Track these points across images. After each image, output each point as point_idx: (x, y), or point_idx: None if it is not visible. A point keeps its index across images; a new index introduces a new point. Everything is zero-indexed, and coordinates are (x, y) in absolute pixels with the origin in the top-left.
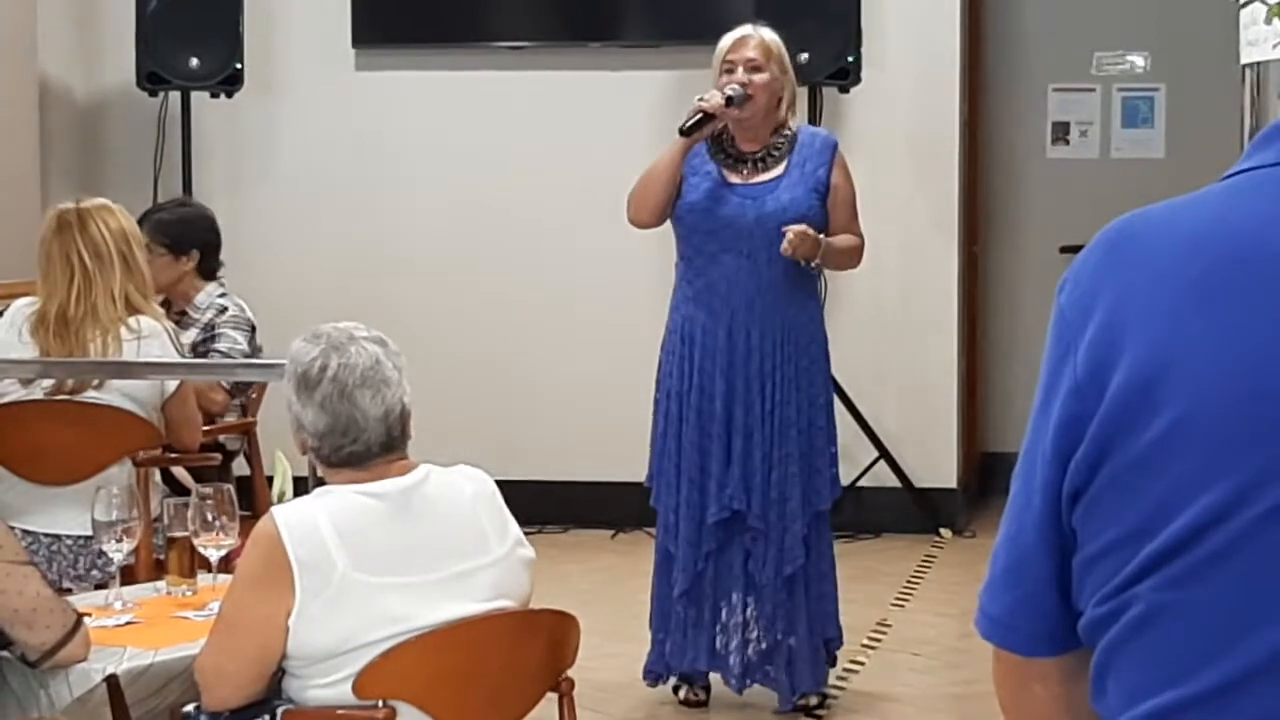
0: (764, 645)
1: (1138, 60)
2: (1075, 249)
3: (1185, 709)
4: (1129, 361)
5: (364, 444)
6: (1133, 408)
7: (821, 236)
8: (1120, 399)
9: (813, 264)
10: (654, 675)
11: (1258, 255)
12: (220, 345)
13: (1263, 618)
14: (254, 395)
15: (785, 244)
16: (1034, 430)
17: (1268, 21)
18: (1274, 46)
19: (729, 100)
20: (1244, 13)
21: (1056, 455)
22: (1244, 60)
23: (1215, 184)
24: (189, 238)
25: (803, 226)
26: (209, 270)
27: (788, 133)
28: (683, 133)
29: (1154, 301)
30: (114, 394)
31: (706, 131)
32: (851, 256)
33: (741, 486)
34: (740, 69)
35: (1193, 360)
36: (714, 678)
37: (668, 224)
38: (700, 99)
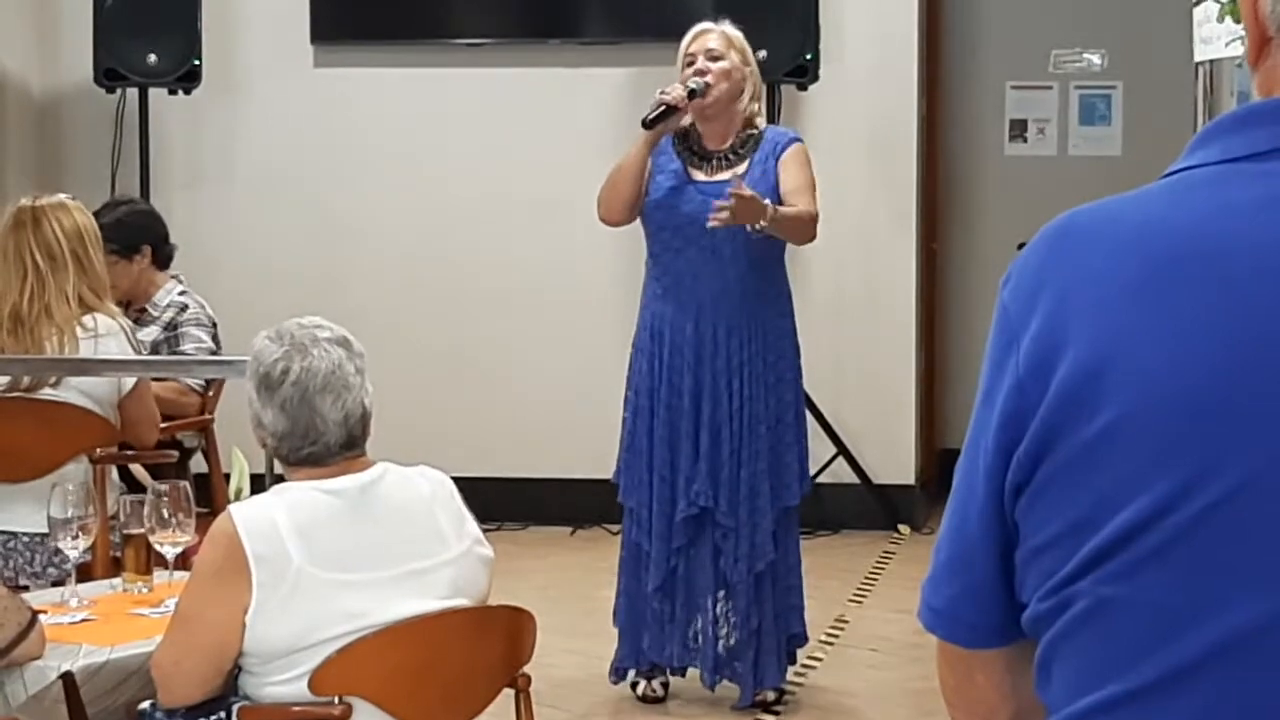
0: (733, 641)
1: (1095, 58)
2: None
3: (1124, 703)
4: (1071, 357)
5: (323, 445)
6: (1075, 403)
7: (768, 203)
8: (1062, 394)
9: (756, 227)
10: (620, 672)
11: (1197, 252)
12: (186, 346)
13: (1199, 613)
14: (211, 393)
15: (719, 211)
16: (977, 424)
17: (1220, 19)
18: (1226, 44)
19: (691, 93)
20: (1197, 11)
21: (1000, 449)
22: (1197, 58)
23: (1157, 181)
24: (135, 237)
25: (742, 188)
26: (163, 260)
27: (754, 131)
28: (645, 125)
29: (1096, 298)
30: (71, 392)
31: (672, 125)
32: (802, 226)
33: (709, 482)
34: (701, 59)
35: (1134, 357)
36: (673, 674)
37: (635, 221)
38: (662, 91)
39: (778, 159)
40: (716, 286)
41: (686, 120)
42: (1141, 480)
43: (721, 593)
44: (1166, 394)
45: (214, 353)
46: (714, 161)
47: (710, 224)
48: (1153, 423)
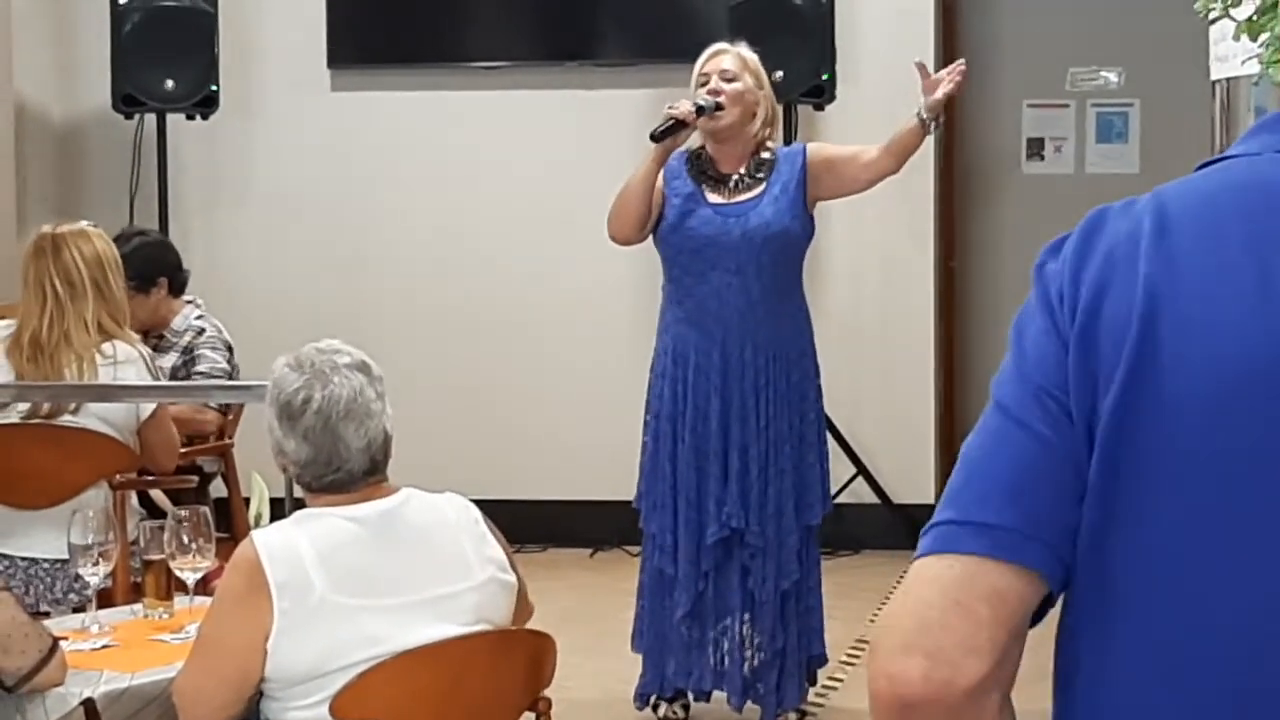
0: (758, 661)
1: (1111, 76)
2: None
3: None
4: (1140, 325)
5: (346, 472)
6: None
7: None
8: (1129, 371)
9: (940, 119)
10: (645, 698)
11: (1245, 211)
12: (201, 366)
13: (1236, 578)
14: (230, 417)
15: (950, 83)
16: (1019, 367)
17: (1236, 38)
18: (1243, 62)
19: (699, 109)
20: (1213, 29)
21: (1067, 402)
22: (1214, 76)
23: (1197, 171)
24: (150, 270)
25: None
26: (178, 287)
27: (767, 155)
28: (653, 138)
29: (1155, 258)
30: (90, 418)
31: (682, 140)
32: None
33: (739, 504)
34: (714, 79)
35: (1190, 330)
36: (693, 696)
37: (649, 246)
38: (670, 106)
39: (804, 169)
40: (741, 307)
41: (696, 141)
42: (1197, 452)
43: (747, 614)
44: (1220, 371)
45: (229, 374)
46: (731, 184)
47: (943, 92)
48: (1206, 394)
